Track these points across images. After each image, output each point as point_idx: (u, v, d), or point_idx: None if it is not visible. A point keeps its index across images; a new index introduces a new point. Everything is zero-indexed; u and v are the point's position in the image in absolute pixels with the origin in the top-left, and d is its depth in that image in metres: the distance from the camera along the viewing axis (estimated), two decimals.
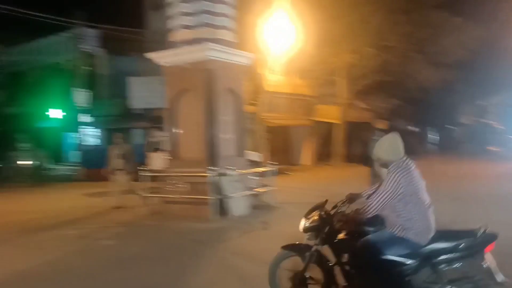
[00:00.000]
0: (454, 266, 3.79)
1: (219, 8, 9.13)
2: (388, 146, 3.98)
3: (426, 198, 3.87)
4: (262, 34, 15.17)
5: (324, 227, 4.14)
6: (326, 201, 4.31)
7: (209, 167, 8.52)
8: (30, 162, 21.87)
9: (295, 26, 15.45)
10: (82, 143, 22.26)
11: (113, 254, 6.63)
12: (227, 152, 9.31)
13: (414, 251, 3.81)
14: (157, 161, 17.07)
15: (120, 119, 22.80)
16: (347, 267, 4.12)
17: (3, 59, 29.44)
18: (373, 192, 4.01)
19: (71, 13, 22.52)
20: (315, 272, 4.28)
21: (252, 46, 13.11)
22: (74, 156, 23.50)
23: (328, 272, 4.25)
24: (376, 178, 9.06)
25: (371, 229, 4.02)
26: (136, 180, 10.28)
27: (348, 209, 4.22)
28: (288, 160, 21.30)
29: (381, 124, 9.27)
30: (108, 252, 6.79)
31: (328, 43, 18.54)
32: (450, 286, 3.78)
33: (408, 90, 22.13)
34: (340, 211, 4.17)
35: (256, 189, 9.47)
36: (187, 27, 9.13)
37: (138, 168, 9.95)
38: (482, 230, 3.72)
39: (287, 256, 4.51)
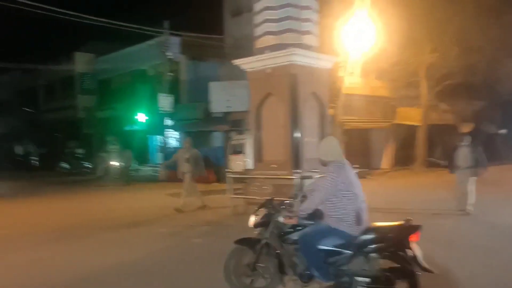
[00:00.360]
0: (383, 254, 4.18)
1: (303, 14, 9.29)
2: (327, 148, 4.50)
3: (360, 195, 4.35)
4: (341, 36, 15.08)
5: (271, 222, 4.63)
6: (273, 198, 4.82)
7: (294, 170, 8.67)
8: (119, 163, 23.42)
9: (375, 26, 15.19)
10: (165, 146, 23.41)
11: (204, 251, 6.97)
12: (310, 155, 9.42)
13: (347, 241, 4.27)
14: (238, 163, 17.62)
15: (201, 122, 23.71)
16: (293, 258, 4.58)
17: (94, 68, 31.85)
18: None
19: (156, 23, 23.82)
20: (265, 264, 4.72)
21: (330, 48, 13.10)
22: (158, 158, 24.77)
23: (277, 264, 4.68)
24: (462, 184, 8.77)
25: (311, 222, 4.50)
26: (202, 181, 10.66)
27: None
28: (366, 164, 20.92)
29: (466, 128, 8.91)
30: (199, 249, 7.16)
31: (409, 43, 18.01)
32: (381, 274, 4.15)
33: (496, 92, 20.88)
34: (285, 207, 4.65)
35: None
36: (271, 33, 9.37)
37: (226, 170, 10.30)
38: (406, 223, 4.15)
39: (240, 250, 4.95)
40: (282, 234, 4.66)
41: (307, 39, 9.34)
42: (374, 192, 11.36)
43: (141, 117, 26.78)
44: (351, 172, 4.43)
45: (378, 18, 15.25)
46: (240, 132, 21.65)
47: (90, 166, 25.65)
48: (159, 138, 26.07)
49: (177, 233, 8.46)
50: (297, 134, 9.18)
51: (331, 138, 4.73)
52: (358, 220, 4.29)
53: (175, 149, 23.37)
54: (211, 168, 19.89)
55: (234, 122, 22.48)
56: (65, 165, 24.65)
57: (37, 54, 47.21)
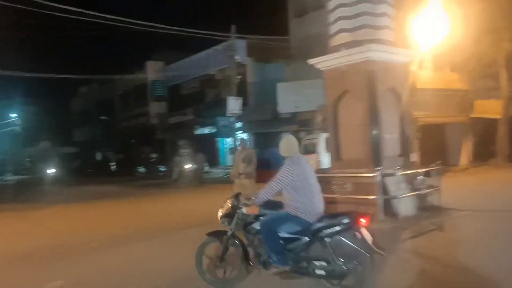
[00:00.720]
0: (336, 238, 4.64)
1: (378, 8, 9.13)
2: (284, 145, 5.07)
3: (315, 186, 4.90)
4: (414, 28, 14.61)
5: (235, 214, 5.04)
6: (240, 193, 5.24)
7: (374, 168, 8.54)
8: (191, 166, 24.20)
9: (449, 17, 14.55)
10: (235, 148, 23.85)
11: None
12: (390, 153, 9.23)
13: (304, 227, 4.75)
14: (311, 162, 17.63)
15: (269, 123, 23.97)
16: (257, 248, 4.99)
17: (165, 75, 33.19)
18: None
19: (222, 28, 24.41)
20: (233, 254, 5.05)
21: (405, 42, 12.74)
22: (228, 160, 25.31)
23: (243, 253, 5.06)
24: None
25: (273, 211, 4.95)
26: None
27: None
28: (443, 161, 20.05)
29: None
30: None
31: (487, 32, 17.06)
32: (335, 257, 4.59)
33: None
34: (247, 199, 5.04)
35: (422, 190, 9.19)
36: (346, 30, 9.29)
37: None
38: (356, 210, 4.75)
39: (209, 242, 5.31)
40: (246, 225, 5.09)
41: (383, 34, 9.16)
42: (458, 191, 10.94)
43: (210, 120, 27.52)
44: (307, 166, 5.00)
45: (453, 8, 14.64)
46: (310, 132, 21.66)
47: (164, 169, 26.74)
48: (228, 140, 26.64)
49: None
50: (376, 131, 9.02)
51: (289, 137, 5.26)
52: (313, 208, 4.81)
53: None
54: (272, 168, 20.06)
55: (302, 122, 22.51)
56: (141, 169, 25.86)
57: (112, 66, 50.07)
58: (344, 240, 4.64)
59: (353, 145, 9.34)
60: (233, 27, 22.82)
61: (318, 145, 15.87)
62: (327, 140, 15.71)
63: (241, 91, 25.18)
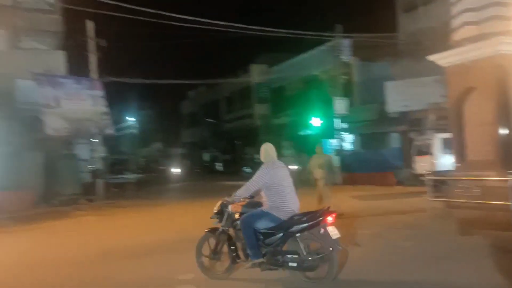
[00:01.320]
0: (305, 233, 5.21)
1: None
2: (263, 151, 5.82)
3: (285, 187, 5.49)
4: None
5: (225, 212, 5.78)
6: (231, 194, 5.71)
7: (506, 170, 7.84)
8: (296, 167, 24.29)
9: None
10: (339, 149, 23.52)
11: (415, 255, 6.76)
12: None
13: (278, 224, 5.35)
14: (424, 164, 16.78)
15: (375, 123, 23.25)
16: (242, 242, 5.60)
17: (269, 77, 33.80)
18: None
19: (326, 28, 24.19)
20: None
21: None
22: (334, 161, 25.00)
23: (229, 247, 5.76)
24: None
25: (252, 209, 5.61)
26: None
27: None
28: None
29: None
30: (408, 252, 6.96)
31: None
32: (305, 251, 5.21)
33: None
34: (233, 200, 5.71)
35: None
36: (472, 23, 8.67)
37: (411, 172, 9.73)
38: (323, 208, 5.34)
39: (208, 237, 6.02)
40: (233, 222, 5.76)
41: None
42: None
43: (315, 121, 27.41)
44: (281, 170, 5.66)
45: None
46: (421, 132, 20.64)
47: None
48: (332, 141, 26.31)
49: (378, 234, 8.38)
50: (508, 131, 8.29)
51: (268, 145, 5.91)
52: (284, 207, 5.43)
53: (353, 152, 23.39)
54: (390, 170, 19.36)
55: (412, 122, 21.49)
56: (247, 169, 26.58)
57: (219, 70, 52.25)
58: (313, 235, 5.24)
59: (481, 145, 8.68)
60: (338, 27, 22.50)
61: (432, 146, 15.00)
62: (445, 141, 14.95)
63: (347, 91, 24.76)
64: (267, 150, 5.81)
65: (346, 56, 24.01)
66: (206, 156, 40.26)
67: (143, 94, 54.60)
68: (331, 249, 5.09)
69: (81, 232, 11.35)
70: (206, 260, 6.01)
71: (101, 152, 19.42)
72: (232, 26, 19.17)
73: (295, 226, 5.25)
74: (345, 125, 23.53)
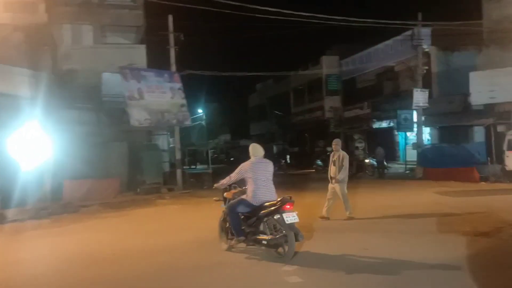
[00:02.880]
0: (271, 218, 6.43)
1: None
2: (251, 149, 6.99)
3: (260, 179, 6.66)
4: None
5: (225, 198, 7.21)
6: (230, 185, 7.16)
7: None
8: (369, 160, 23.74)
9: None
10: (417, 142, 22.62)
11: None
12: None
13: (251, 208, 6.63)
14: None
15: (457, 116, 22.08)
16: None
17: (339, 69, 33.20)
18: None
19: (403, 17, 23.31)
20: None
21: None
22: (409, 154, 24.14)
23: (225, 226, 7.16)
24: None
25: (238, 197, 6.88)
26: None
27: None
28: None
29: None
30: None
31: None
32: (270, 233, 6.44)
33: None
34: (228, 188, 7.22)
35: None
36: None
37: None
38: (282, 198, 6.43)
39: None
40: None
41: None
42: None
43: (388, 114, 26.59)
44: (260, 165, 6.78)
45: None
46: (510, 126, 19.35)
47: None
48: (408, 134, 25.41)
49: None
50: None
51: (255, 144, 7.09)
52: (257, 195, 6.57)
53: (433, 146, 22.39)
54: (473, 165, 18.32)
55: (500, 114, 20.19)
56: (320, 162, 26.33)
57: (288, 62, 52.12)
58: (275, 220, 6.33)
59: None
60: (419, 15, 21.54)
61: None
62: None
63: (424, 82, 23.74)
64: (255, 148, 6.96)
65: (425, 46, 22.93)
66: (274, 149, 40.36)
67: (211, 86, 55.58)
68: (284, 231, 6.17)
69: (171, 220, 11.75)
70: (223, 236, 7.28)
71: (178, 143, 19.99)
72: (305, 16, 18.89)
73: (262, 212, 6.45)
74: (422, 117, 22.54)
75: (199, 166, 36.32)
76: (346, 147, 31.42)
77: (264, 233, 6.49)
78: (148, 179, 17.81)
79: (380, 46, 28.07)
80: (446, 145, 20.33)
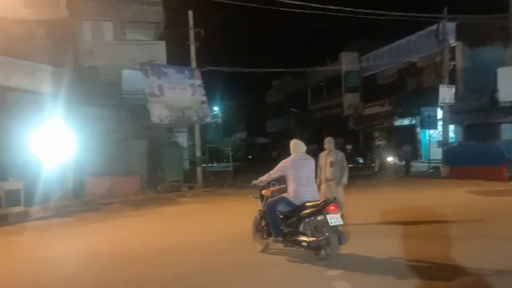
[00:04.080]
0: (312, 219, 6.12)
1: None
2: (292, 145, 6.64)
3: (302, 177, 6.34)
4: None
5: (262, 196, 6.92)
6: (269, 183, 6.82)
7: None
8: (392, 158, 23.22)
9: None
10: (443, 140, 22.01)
11: None
12: None
13: (292, 208, 6.35)
14: None
15: (484, 113, 21.45)
16: None
17: (359, 66, 32.66)
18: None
19: (426, 11, 22.68)
20: None
21: None
22: (433, 153, 23.54)
23: (266, 224, 6.62)
24: None
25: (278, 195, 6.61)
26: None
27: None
28: None
29: None
30: None
31: None
32: (310, 234, 6.15)
33: None
34: (267, 186, 6.89)
35: None
36: None
37: None
38: (325, 199, 6.22)
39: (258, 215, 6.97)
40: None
41: None
42: None
43: (411, 111, 25.97)
44: (304, 163, 6.39)
45: None
46: None
47: (362, 161, 26.29)
48: (432, 132, 24.78)
49: None
50: None
51: (296, 140, 6.67)
52: (299, 194, 6.22)
53: (459, 144, 21.74)
54: (502, 164, 17.73)
55: None
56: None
57: (305, 58, 51.72)
58: (318, 221, 5.97)
59: None
60: (445, 9, 20.93)
61: None
62: None
63: (450, 79, 23.12)
64: (296, 145, 6.59)
65: (450, 41, 22.30)
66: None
67: (227, 83, 55.37)
68: (327, 234, 5.82)
69: (197, 219, 11.47)
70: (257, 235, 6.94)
71: (199, 140, 19.76)
72: (331, 9, 18.45)
73: (303, 212, 6.11)
74: (447, 115, 21.92)
75: (215, 164, 36.16)
76: (365, 145, 31.13)
77: (305, 234, 6.13)
78: (168, 177, 17.59)
79: (402, 41, 27.48)
80: (474, 143, 19.71)
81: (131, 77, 18.50)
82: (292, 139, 6.86)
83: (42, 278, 6.20)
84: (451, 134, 24.61)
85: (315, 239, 5.99)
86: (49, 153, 13.68)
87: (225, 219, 10.90)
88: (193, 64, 19.47)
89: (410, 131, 26.75)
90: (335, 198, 6.07)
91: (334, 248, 5.84)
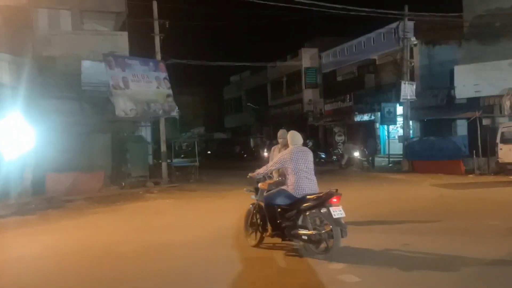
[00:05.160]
0: (313, 212, 5.96)
1: None
2: (290, 136, 6.47)
3: (302, 170, 6.16)
4: None
5: (257, 189, 6.75)
6: (265, 176, 6.88)
7: None
8: (358, 154, 23.51)
9: None
10: (403, 135, 22.66)
11: None
12: None
13: (292, 201, 6.12)
14: (510, 152, 15.95)
15: (441, 109, 22.27)
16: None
17: (319, 62, 33.02)
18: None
19: (387, 8, 23.08)
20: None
21: None
22: (392, 148, 24.17)
23: (262, 218, 6.55)
24: None
25: (276, 187, 6.42)
26: None
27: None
28: None
29: None
30: None
31: None
32: (313, 228, 5.94)
33: None
34: (264, 178, 6.84)
35: None
36: None
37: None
38: (328, 191, 5.93)
39: (251, 209, 6.82)
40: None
41: None
42: None
43: (370, 107, 26.57)
44: (301, 154, 6.28)
45: None
46: (494, 119, 19.67)
47: (324, 156, 26.59)
48: (391, 128, 25.48)
49: None
50: None
51: (294, 132, 6.52)
52: (299, 187, 6.09)
53: (419, 139, 22.43)
54: (458, 158, 18.51)
55: (484, 108, 20.46)
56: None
57: (265, 54, 51.64)
58: (321, 213, 5.86)
59: None
60: (405, 7, 21.50)
61: None
62: None
63: (408, 76, 23.77)
64: (295, 136, 6.45)
65: (413, 39, 22.92)
66: (252, 142, 39.88)
67: (183, 77, 54.35)
68: (330, 226, 5.70)
69: (172, 215, 11.08)
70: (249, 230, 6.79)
71: (164, 135, 19.27)
72: (291, 1, 18.32)
73: (305, 205, 5.97)
74: (405, 111, 22.57)
75: (175, 160, 35.40)
76: (325, 140, 31.59)
77: (305, 228, 5.98)
78: (133, 172, 17.00)
79: (362, 38, 28.01)
80: (434, 138, 20.42)
81: (91, 69, 17.72)
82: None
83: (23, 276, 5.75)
84: (411, 130, 25.39)
85: (316, 232, 5.89)
86: (7, 148, 12.86)
87: (203, 215, 10.63)
88: (158, 56, 18.91)
89: (369, 126, 27.36)
90: (337, 190, 5.95)
91: (337, 241, 5.73)
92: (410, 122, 24.76)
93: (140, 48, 20.40)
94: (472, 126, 20.02)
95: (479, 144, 18.46)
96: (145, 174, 17.37)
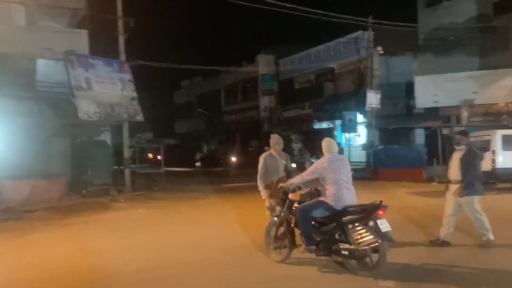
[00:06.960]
0: (353, 225, 5.51)
1: None
2: (326, 144, 6.05)
3: (342, 180, 5.77)
4: None
5: (285, 200, 6.20)
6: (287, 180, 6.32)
7: None
8: (307, 163, 23.56)
9: None
10: (366, 144, 23.02)
11: None
12: None
13: (331, 213, 5.69)
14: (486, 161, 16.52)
15: (401, 119, 22.89)
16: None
17: (276, 69, 32.96)
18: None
19: (345, 18, 23.37)
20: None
21: None
22: (353, 155, 24.47)
23: (290, 231, 6.16)
24: None
25: (310, 199, 5.96)
26: None
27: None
28: None
29: None
30: None
31: None
32: (357, 243, 5.45)
33: None
34: (294, 189, 6.15)
35: None
36: None
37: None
38: (374, 202, 5.52)
39: (274, 223, 6.42)
40: (292, 209, 6.12)
41: None
42: None
43: (329, 115, 26.84)
44: (340, 163, 5.95)
45: None
46: (452, 129, 20.41)
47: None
48: (351, 135, 25.84)
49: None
50: None
51: (329, 139, 6.18)
52: (340, 198, 5.71)
53: (385, 148, 22.81)
54: (419, 166, 19.06)
55: (442, 118, 21.27)
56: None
57: (219, 58, 50.77)
58: (364, 227, 5.47)
59: None
60: (370, 17, 21.91)
61: (493, 142, 14.59)
62: (505, 137, 14.58)
63: (364, 85, 24.24)
64: (330, 144, 6.09)
65: (379, 48, 23.38)
66: (204, 149, 39.08)
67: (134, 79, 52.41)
68: (379, 241, 5.32)
69: (153, 227, 10.20)
70: (272, 245, 6.36)
71: (127, 140, 18.23)
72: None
73: (347, 217, 5.58)
74: (370, 120, 22.99)
75: (134, 166, 33.86)
76: (285, 149, 31.51)
77: (345, 242, 5.57)
78: (95, 179, 15.84)
79: (321, 47, 28.28)
80: (397, 147, 20.91)
81: (47, 68, 16.37)
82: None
83: None
84: (371, 138, 25.87)
85: (360, 247, 5.48)
86: None
87: (191, 227, 9.81)
88: (122, 57, 17.86)
89: (328, 134, 27.57)
90: (381, 202, 5.58)
91: (384, 256, 5.37)
92: (371, 131, 25.31)
93: (101, 48, 19.21)
94: (431, 135, 20.73)
95: (439, 153, 19.12)
96: (108, 182, 16.23)
